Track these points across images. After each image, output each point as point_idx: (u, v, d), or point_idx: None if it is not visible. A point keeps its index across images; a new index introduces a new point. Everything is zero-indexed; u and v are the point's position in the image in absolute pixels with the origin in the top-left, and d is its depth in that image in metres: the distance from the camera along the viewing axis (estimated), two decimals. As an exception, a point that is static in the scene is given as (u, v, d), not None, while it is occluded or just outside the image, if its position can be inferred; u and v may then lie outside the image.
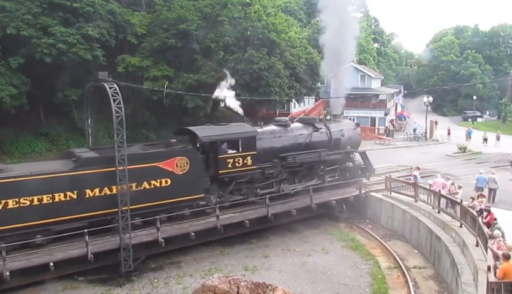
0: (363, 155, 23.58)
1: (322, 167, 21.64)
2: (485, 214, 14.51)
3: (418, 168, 22.44)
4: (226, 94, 21.90)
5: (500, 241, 11.97)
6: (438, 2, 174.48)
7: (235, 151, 18.52)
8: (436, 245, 15.88)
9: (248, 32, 30.36)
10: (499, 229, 12.91)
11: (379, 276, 15.50)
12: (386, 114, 52.83)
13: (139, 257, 15.69)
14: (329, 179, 21.92)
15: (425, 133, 45.98)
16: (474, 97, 65.44)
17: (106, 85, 14.75)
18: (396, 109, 63.54)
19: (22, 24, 23.85)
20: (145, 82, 27.55)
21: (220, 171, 18.14)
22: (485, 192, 20.40)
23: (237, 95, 27.92)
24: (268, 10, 34.69)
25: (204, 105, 33.08)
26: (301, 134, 21.18)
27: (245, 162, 18.57)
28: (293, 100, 37.21)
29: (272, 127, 21.06)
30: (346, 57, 24.62)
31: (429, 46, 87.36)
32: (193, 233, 16.40)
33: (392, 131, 47.28)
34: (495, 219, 13.96)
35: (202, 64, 29.46)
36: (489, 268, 10.68)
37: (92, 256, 14.26)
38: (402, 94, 68.81)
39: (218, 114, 38.96)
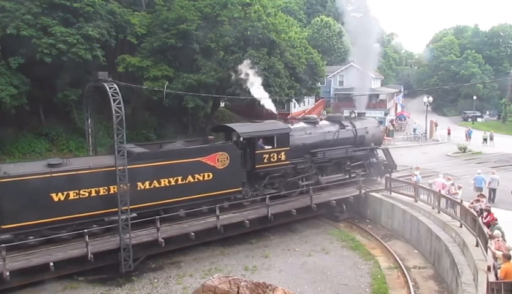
0: (385, 151, 24.55)
1: (348, 163, 22.64)
2: (485, 214, 14.51)
3: (418, 168, 22.48)
4: (262, 95, 23.30)
5: (498, 240, 11.98)
6: (438, 2, 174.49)
7: (270, 147, 19.43)
8: (436, 245, 15.89)
9: (248, 32, 30.30)
10: (499, 229, 12.93)
11: (379, 276, 15.50)
12: (386, 114, 52.85)
13: (139, 257, 15.71)
14: (362, 173, 22.86)
15: (425, 133, 46.00)
16: (474, 97, 65.43)
17: (106, 85, 14.75)
18: (396, 109, 63.58)
19: (22, 24, 23.81)
20: (145, 83, 27.49)
21: (256, 166, 19.12)
22: (485, 192, 20.42)
23: (236, 95, 27.96)
24: (268, 10, 34.62)
25: (204, 105, 33.06)
26: (329, 131, 22.19)
27: (279, 157, 19.58)
28: (293, 100, 37.19)
29: (302, 125, 22.06)
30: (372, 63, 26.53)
31: (429, 46, 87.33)
32: (193, 233, 16.41)
33: (392, 131, 47.31)
34: (496, 219, 13.97)
35: (202, 64, 29.41)
36: (489, 268, 10.69)
37: (92, 256, 14.27)
38: (402, 94, 68.83)
39: (218, 114, 39.00)
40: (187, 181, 17.15)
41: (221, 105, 39.79)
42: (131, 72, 28.34)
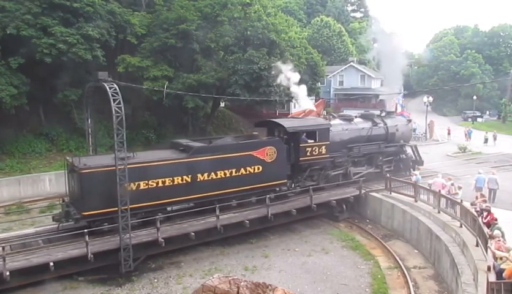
0: (413, 148, 26.13)
1: (380, 158, 23.91)
2: (485, 214, 14.50)
3: (418, 168, 22.48)
4: (303, 97, 25.39)
5: (499, 240, 11.97)
6: (438, 2, 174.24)
7: (313, 141, 20.65)
8: (436, 245, 15.88)
9: (248, 32, 30.30)
10: (499, 229, 12.92)
11: (379, 276, 15.49)
12: (386, 114, 52.77)
13: (139, 257, 15.69)
14: (387, 169, 24.06)
15: (425, 133, 45.97)
16: (474, 97, 65.37)
17: (106, 85, 14.73)
18: (396, 109, 63.43)
19: (22, 24, 23.82)
20: (145, 83, 27.50)
21: (300, 159, 20.32)
22: (485, 192, 20.38)
23: (236, 95, 27.94)
24: (268, 10, 34.64)
25: (204, 105, 33.06)
26: (363, 128, 23.55)
27: (320, 150, 20.84)
28: (293, 100, 37.19)
29: (339, 121, 23.55)
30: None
31: (429, 46, 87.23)
32: (193, 233, 16.41)
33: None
34: (496, 219, 13.96)
35: (202, 64, 29.41)
36: (488, 268, 10.69)
37: (92, 256, 14.26)
38: (402, 94, 68.76)
39: (218, 114, 38.98)
40: (239, 173, 18.37)
41: (221, 105, 39.76)
42: (131, 72, 28.34)
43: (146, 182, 16.12)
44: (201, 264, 16.48)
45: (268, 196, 18.32)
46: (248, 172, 18.60)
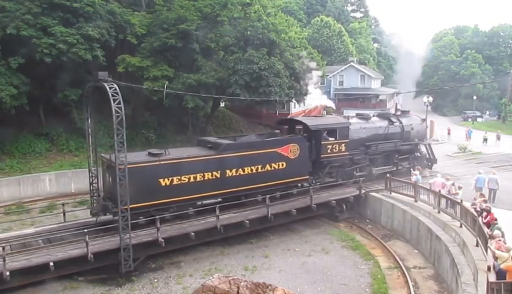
0: (427, 146, 26.86)
1: (396, 155, 24.67)
2: (485, 214, 14.49)
3: (418, 169, 22.48)
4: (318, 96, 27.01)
5: (499, 240, 11.97)
6: (438, 2, 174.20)
7: (333, 139, 21.53)
8: (436, 245, 15.89)
9: (248, 32, 30.27)
10: (499, 229, 12.92)
11: (379, 276, 15.50)
12: (386, 114, 52.74)
13: (139, 257, 15.70)
14: (407, 165, 25.01)
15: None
16: (475, 97, 65.41)
17: (106, 85, 14.72)
18: (396, 109, 63.40)
19: (22, 24, 23.81)
20: (145, 83, 27.47)
21: (321, 156, 21.20)
22: (485, 192, 20.37)
23: (236, 95, 27.92)
24: (268, 10, 34.59)
25: (204, 105, 33.03)
26: (380, 126, 24.37)
27: (340, 148, 21.71)
28: (293, 100, 37.19)
29: (357, 120, 24.41)
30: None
31: (429, 46, 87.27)
32: (193, 233, 16.41)
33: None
34: (496, 219, 13.96)
35: (202, 64, 29.38)
36: (489, 268, 10.69)
37: (92, 256, 14.27)
38: (402, 94, 68.68)
39: (218, 114, 38.98)
40: (265, 169, 19.13)
41: (221, 105, 39.76)
42: (131, 72, 28.31)
43: (179, 177, 16.81)
44: (201, 264, 16.49)
45: (268, 196, 18.35)
46: (273, 168, 19.33)
